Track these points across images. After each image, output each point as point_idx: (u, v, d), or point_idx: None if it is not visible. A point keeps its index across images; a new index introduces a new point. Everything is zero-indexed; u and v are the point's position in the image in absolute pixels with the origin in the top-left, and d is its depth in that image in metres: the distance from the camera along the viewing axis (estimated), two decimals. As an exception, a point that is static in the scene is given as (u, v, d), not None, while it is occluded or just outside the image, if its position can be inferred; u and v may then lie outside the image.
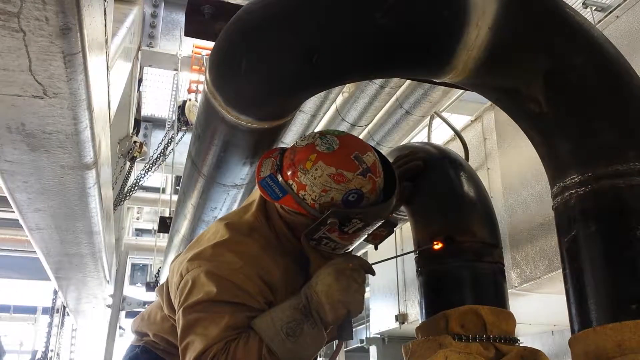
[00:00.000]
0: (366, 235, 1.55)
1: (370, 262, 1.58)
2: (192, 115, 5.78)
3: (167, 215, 5.72)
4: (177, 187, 5.92)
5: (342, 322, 1.52)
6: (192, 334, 1.41)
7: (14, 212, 3.19)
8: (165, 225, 5.20)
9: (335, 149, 1.44)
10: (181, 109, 6.02)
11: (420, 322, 2.26)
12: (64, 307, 8.25)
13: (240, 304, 1.42)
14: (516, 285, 3.33)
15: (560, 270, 1.70)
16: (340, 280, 1.46)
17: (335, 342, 1.72)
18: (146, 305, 6.62)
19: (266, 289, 1.46)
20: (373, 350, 5.67)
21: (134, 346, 1.77)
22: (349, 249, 1.57)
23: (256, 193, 1.64)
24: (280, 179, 1.46)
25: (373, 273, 1.54)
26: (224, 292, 1.41)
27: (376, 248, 1.67)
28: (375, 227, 1.53)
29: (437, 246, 2.15)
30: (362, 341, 5.96)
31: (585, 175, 1.60)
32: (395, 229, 1.66)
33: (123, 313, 7.42)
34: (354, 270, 1.49)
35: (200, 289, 1.43)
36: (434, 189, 2.38)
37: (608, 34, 1.83)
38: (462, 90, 4.51)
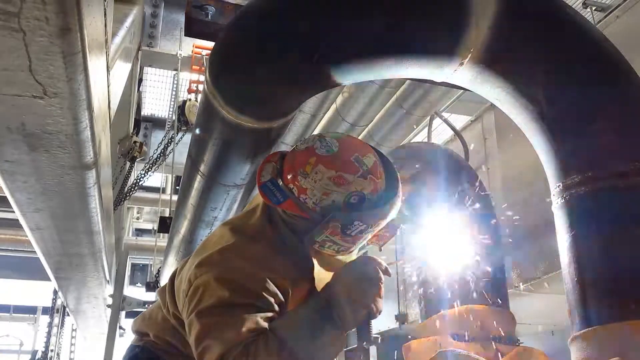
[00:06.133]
0: (369, 237, 1.55)
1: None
2: (192, 115, 5.77)
3: (167, 215, 5.71)
4: (177, 187, 5.91)
5: (361, 324, 1.53)
6: (209, 339, 1.40)
7: (14, 212, 3.19)
8: (165, 225, 5.19)
9: (335, 152, 1.43)
10: (181, 109, 6.01)
11: (420, 322, 2.26)
12: (64, 307, 8.25)
13: (254, 306, 1.41)
14: (516, 285, 3.32)
15: (560, 270, 1.70)
16: (360, 282, 1.47)
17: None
18: (146, 305, 6.63)
19: (277, 291, 1.45)
20: (373, 350, 5.66)
21: (134, 346, 1.77)
22: (352, 250, 1.56)
23: (259, 197, 1.63)
24: (281, 183, 1.45)
25: (389, 274, 1.54)
26: (236, 295, 1.40)
27: (380, 249, 1.67)
28: (378, 229, 1.52)
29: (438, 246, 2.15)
30: (362, 341, 5.95)
31: (585, 176, 1.60)
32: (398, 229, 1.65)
33: (123, 313, 7.41)
34: (372, 272, 1.50)
35: (212, 294, 1.42)
36: (435, 189, 2.39)
37: (608, 34, 1.83)
38: (462, 90, 4.51)
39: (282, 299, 1.47)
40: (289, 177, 1.45)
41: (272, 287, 1.45)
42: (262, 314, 1.42)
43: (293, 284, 1.51)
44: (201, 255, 1.52)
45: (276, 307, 1.45)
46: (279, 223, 1.55)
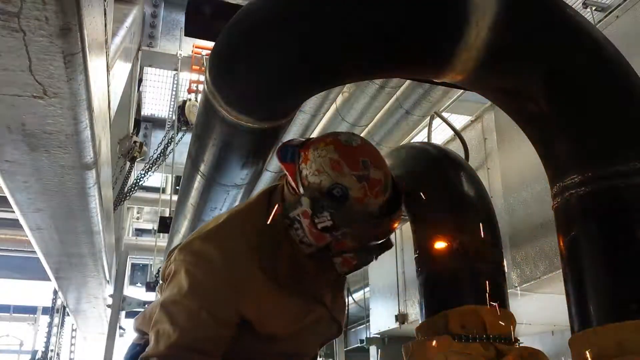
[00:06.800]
0: (332, 251, 1.48)
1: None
2: (192, 115, 5.77)
3: (167, 215, 5.71)
4: (177, 187, 5.91)
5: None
6: (154, 330, 1.45)
7: (14, 212, 3.19)
8: (165, 225, 5.19)
9: (352, 145, 1.44)
10: (181, 109, 6.02)
11: (420, 322, 2.26)
12: (64, 307, 8.25)
13: (200, 316, 1.40)
14: (516, 285, 3.33)
15: (560, 270, 1.70)
16: None
17: (335, 342, 1.73)
18: (146, 305, 6.62)
19: (241, 295, 1.43)
20: (373, 350, 5.66)
21: (135, 344, 1.78)
22: (312, 249, 1.48)
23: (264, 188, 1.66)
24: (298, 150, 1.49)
25: None
26: (194, 292, 1.41)
27: (341, 275, 1.57)
28: (344, 245, 1.46)
29: (438, 246, 2.15)
30: (362, 341, 5.95)
31: (585, 176, 1.60)
32: (363, 266, 1.58)
33: (123, 313, 7.40)
34: None
35: (177, 281, 1.45)
36: (435, 189, 2.38)
37: (608, 34, 1.83)
38: (462, 90, 4.51)
39: (247, 307, 1.44)
40: (305, 148, 1.46)
41: (236, 290, 1.43)
42: (211, 328, 1.41)
43: (276, 268, 1.48)
44: (190, 237, 1.55)
45: (232, 317, 1.43)
46: (276, 201, 1.54)
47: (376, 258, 1.55)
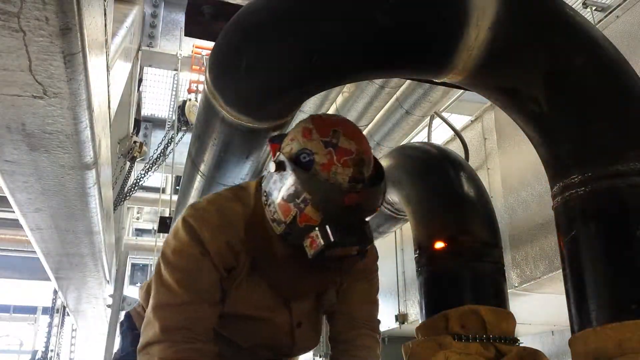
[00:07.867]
0: (298, 227, 1.39)
1: None
2: (192, 115, 5.78)
3: (167, 215, 5.71)
4: (177, 187, 5.92)
5: None
6: (157, 278, 1.49)
7: (14, 212, 3.19)
8: (165, 225, 5.19)
9: (328, 119, 1.44)
10: (181, 109, 6.02)
11: (420, 322, 2.26)
12: (64, 307, 8.25)
13: (203, 262, 1.45)
14: (516, 285, 3.33)
15: (560, 270, 1.70)
16: None
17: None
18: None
19: (229, 252, 1.48)
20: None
21: (128, 314, 1.86)
22: (283, 228, 1.42)
23: None
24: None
25: None
26: (194, 240, 1.45)
27: (310, 256, 1.42)
28: (309, 222, 1.36)
29: (438, 246, 2.16)
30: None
31: (585, 176, 1.60)
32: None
33: (123, 313, 7.42)
34: None
35: (176, 235, 1.49)
36: (435, 189, 2.39)
37: (608, 34, 1.83)
38: (462, 90, 4.51)
39: (234, 263, 1.49)
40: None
41: (226, 247, 1.47)
42: (207, 273, 1.45)
43: (251, 249, 1.51)
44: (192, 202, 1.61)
45: (220, 269, 1.47)
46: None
47: (347, 265, 1.47)
